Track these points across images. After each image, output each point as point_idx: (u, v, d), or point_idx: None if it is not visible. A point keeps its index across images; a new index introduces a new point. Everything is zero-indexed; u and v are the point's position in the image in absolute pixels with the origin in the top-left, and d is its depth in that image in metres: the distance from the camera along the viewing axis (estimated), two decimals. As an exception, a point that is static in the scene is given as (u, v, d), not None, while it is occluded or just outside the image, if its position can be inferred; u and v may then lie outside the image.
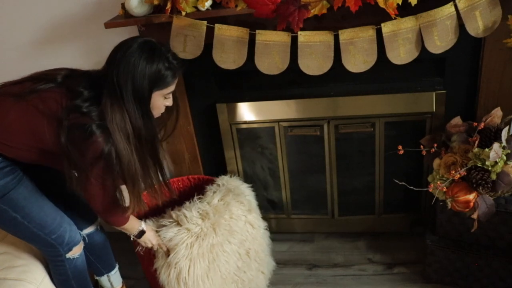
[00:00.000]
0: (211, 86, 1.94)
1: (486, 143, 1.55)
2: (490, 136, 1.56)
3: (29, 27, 1.92)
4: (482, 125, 1.59)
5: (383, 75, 1.78)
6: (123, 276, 1.90)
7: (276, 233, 2.17)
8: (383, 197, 2.07)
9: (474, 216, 1.53)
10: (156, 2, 1.57)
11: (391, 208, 2.11)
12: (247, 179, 2.11)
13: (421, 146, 1.70)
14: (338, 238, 2.18)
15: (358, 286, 1.89)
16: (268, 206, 2.21)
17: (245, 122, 1.99)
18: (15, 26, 1.93)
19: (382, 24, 1.50)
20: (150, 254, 1.70)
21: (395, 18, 1.48)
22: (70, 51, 1.96)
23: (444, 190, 1.57)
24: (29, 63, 1.99)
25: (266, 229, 1.90)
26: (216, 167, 2.12)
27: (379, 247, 2.09)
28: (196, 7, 1.58)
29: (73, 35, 1.91)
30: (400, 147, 1.64)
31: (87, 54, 1.95)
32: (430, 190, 1.59)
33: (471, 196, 1.52)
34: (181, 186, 2.12)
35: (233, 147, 2.06)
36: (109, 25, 1.65)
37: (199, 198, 1.78)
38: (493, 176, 1.49)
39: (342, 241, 2.15)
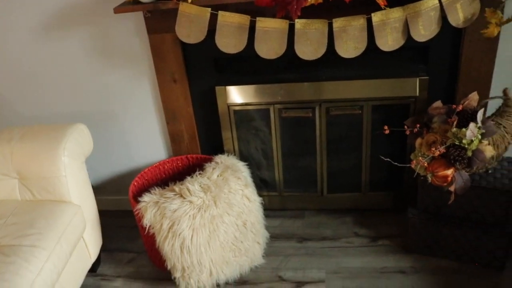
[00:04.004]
0: (211, 70, 2.02)
1: (463, 124, 1.64)
2: (467, 117, 1.65)
3: (38, 11, 1.95)
4: (460, 107, 1.67)
5: (372, 61, 1.86)
6: (124, 250, 1.93)
7: (269, 209, 2.25)
8: (369, 176, 2.18)
9: (452, 189, 1.67)
10: (163, -11, 1.65)
11: (376, 186, 2.21)
12: (242, 158, 2.19)
13: (405, 127, 1.81)
14: (327, 214, 2.27)
15: (345, 257, 2.01)
16: (261, 185, 2.29)
17: (242, 104, 2.06)
18: (24, 10, 1.96)
19: (372, 14, 1.59)
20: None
21: (384, 9, 1.58)
22: (78, 36, 1.98)
23: (425, 165, 1.68)
24: (38, 47, 2.05)
25: (262, 203, 2.00)
26: (214, 147, 2.20)
27: (364, 222, 2.20)
28: (200, -5, 1.67)
29: (81, 19, 1.94)
30: (386, 127, 1.75)
31: (94, 38, 1.98)
32: (412, 166, 1.70)
33: (449, 172, 1.63)
34: (180, 164, 2.22)
35: (230, 128, 2.14)
36: (118, 10, 1.71)
37: (200, 174, 1.90)
38: (469, 153, 1.60)
39: (331, 217, 2.25)
